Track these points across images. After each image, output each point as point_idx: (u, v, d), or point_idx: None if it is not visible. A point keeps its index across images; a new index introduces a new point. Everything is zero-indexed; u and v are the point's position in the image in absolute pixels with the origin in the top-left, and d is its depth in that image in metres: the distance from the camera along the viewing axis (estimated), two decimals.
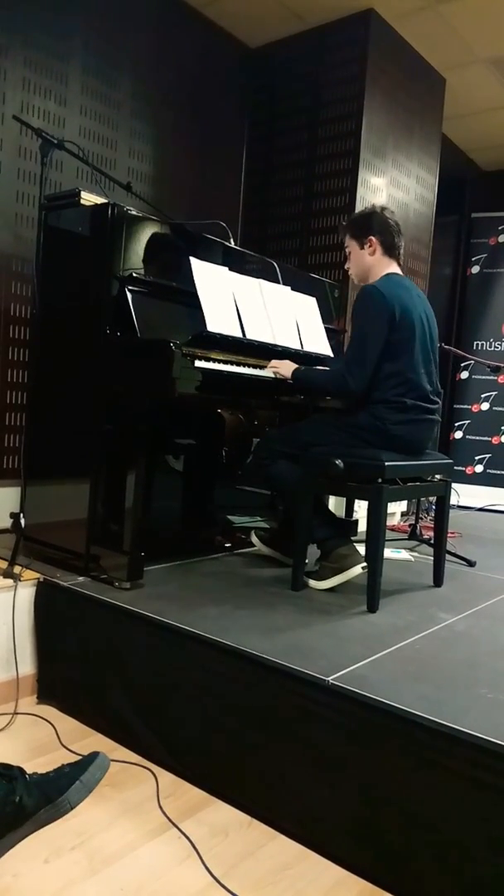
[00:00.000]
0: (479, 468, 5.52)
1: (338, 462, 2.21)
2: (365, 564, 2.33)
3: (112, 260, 2.25)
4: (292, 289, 2.89)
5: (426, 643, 1.94)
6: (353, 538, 3.19)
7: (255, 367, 2.45)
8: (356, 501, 3.22)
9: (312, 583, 2.40)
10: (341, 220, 3.70)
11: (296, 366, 2.46)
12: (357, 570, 2.38)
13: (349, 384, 2.29)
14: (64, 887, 1.37)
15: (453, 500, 2.92)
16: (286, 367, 2.46)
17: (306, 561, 2.45)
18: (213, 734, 1.74)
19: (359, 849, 1.47)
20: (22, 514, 2.30)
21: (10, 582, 2.15)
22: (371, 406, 2.33)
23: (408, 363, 2.31)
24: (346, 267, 2.56)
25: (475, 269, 5.68)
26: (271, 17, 3.74)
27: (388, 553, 2.95)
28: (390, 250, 2.42)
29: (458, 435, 5.61)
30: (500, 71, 4.15)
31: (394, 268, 2.43)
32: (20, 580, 2.17)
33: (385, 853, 1.44)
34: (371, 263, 2.43)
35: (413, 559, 3.02)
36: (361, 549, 2.96)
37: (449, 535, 2.79)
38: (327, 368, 2.73)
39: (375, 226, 2.40)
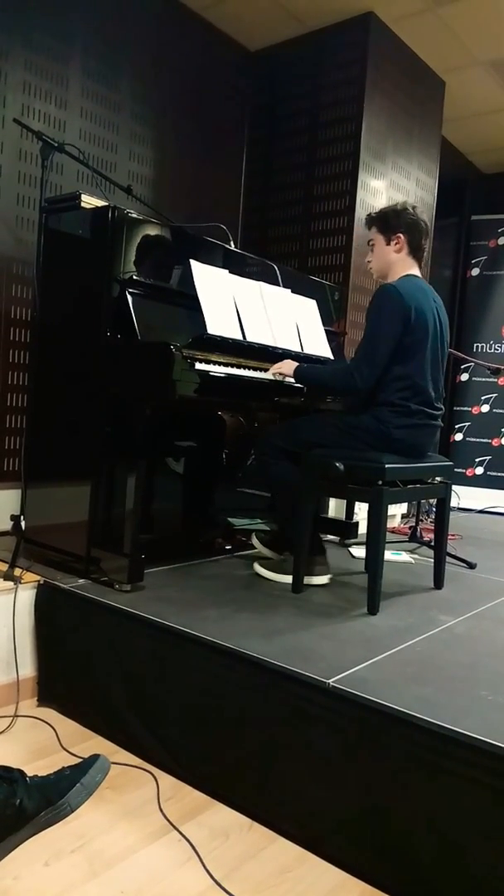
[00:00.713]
0: (479, 470, 5.52)
1: (338, 465, 2.21)
2: (329, 577, 2.46)
3: (112, 262, 2.25)
4: (292, 291, 2.89)
5: (426, 645, 1.94)
6: (353, 540, 3.22)
7: (255, 369, 2.46)
8: (357, 503, 3.23)
9: (259, 569, 2.52)
10: (341, 222, 3.72)
11: (297, 364, 2.46)
12: (323, 580, 2.46)
13: (356, 381, 2.27)
14: (64, 890, 1.37)
15: (453, 503, 2.92)
16: (288, 366, 2.46)
17: (282, 557, 2.51)
18: (214, 737, 1.74)
19: (359, 851, 1.47)
20: (22, 517, 2.31)
21: (10, 584, 2.15)
22: (375, 408, 2.32)
23: (416, 368, 2.30)
24: (366, 261, 2.53)
25: (475, 272, 5.69)
26: (271, 20, 3.75)
27: (389, 555, 2.95)
28: (415, 251, 2.40)
29: (459, 437, 5.61)
30: (500, 73, 4.15)
31: (415, 269, 2.41)
32: (21, 582, 2.17)
33: (385, 855, 1.44)
34: (394, 261, 2.40)
35: (413, 561, 3.02)
36: (362, 551, 2.97)
37: (449, 537, 2.79)
38: (330, 365, 2.73)
39: (405, 224, 2.37)
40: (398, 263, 2.40)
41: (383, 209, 2.49)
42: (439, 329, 2.39)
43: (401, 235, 2.38)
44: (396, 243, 2.39)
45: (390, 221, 2.39)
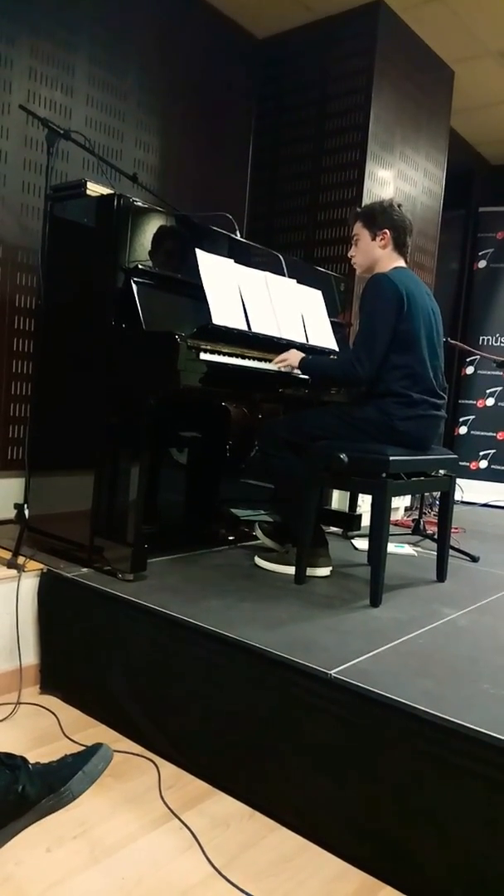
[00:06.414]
0: (483, 464, 5.51)
1: (342, 456, 2.21)
2: (331, 569, 2.45)
3: (118, 251, 2.24)
4: (298, 282, 2.88)
5: (429, 638, 1.94)
6: (356, 532, 3.22)
7: (260, 359, 2.45)
8: (360, 496, 3.22)
9: (261, 562, 2.51)
10: (350, 212, 3.67)
11: (303, 354, 2.46)
12: (325, 571, 2.45)
13: (357, 371, 2.28)
14: (65, 876, 1.38)
15: (457, 496, 2.91)
16: (294, 357, 2.45)
17: (285, 549, 2.51)
18: (215, 726, 1.75)
19: (359, 841, 1.48)
20: (26, 505, 2.31)
21: (13, 572, 2.15)
22: (378, 399, 2.32)
23: (415, 356, 2.30)
24: (350, 254, 2.54)
25: (482, 264, 5.65)
26: (279, 7, 3.71)
27: (392, 548, 2.95)
28: (400, 247, 2.42)
29: (463, 430, 5.59)
30: None
31: (401, 263, 2.43)
32: (24, 571, 2.17)
33: (385, 845, 1.44)
34: (379, 256, 2.42)
35: (416, 554, 3.02)
36: (364, 543, 2.97)
37: (452, 530, 2.78)
38: (335, 357, 2.72)
39: (390, 220, 2.39)
40: (385, 258, 2.42)
41: (369, 205, 2.50)
42: (432, 318, 2.40)
43: (386, 231, 2.39)
44: (382, 239, 2.40)
45: (376, 218, 2.41)
